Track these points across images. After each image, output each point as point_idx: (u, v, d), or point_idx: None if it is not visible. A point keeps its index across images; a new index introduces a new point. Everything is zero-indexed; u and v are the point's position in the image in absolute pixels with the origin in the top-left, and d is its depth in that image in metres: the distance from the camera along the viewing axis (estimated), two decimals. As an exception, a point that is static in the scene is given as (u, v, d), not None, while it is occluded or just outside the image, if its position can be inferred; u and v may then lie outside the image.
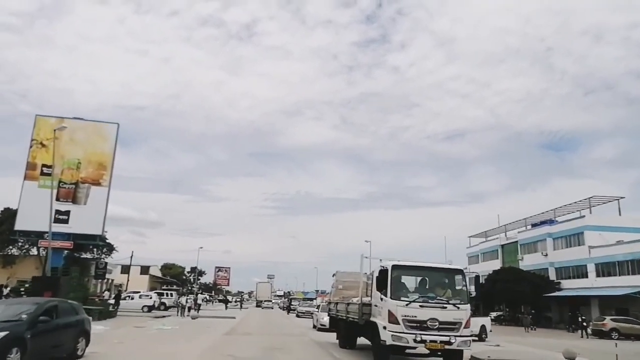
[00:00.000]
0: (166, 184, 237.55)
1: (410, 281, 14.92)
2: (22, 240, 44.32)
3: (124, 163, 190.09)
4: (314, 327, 32.96)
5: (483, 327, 29.32)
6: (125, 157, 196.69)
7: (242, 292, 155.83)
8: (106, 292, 57.26)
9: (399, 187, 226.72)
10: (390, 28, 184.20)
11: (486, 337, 29.15)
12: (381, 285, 14.27)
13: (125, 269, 69.13)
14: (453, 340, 13.52)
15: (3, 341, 10.19)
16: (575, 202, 59.72)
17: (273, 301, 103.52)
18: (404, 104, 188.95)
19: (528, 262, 63.55)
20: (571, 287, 55.82)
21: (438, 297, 14.14)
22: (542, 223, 65.39)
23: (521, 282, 55.41)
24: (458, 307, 13.88)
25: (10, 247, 47.22)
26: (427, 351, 14.19)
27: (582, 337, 40.68)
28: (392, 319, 13.58)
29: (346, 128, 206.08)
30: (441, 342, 13.47)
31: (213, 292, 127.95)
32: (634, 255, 48.00)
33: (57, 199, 33.66)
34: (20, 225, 34.06)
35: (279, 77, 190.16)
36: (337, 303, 21.37)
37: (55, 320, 12.38)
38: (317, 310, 35.92)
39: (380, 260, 15.87)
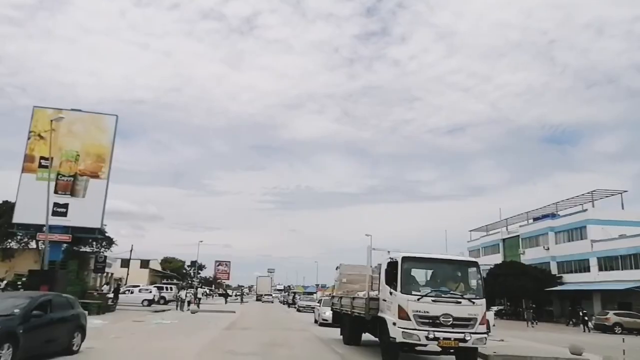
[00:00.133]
0: (167, 178, 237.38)
1: (420, 274, 14.20)
2: (21, 234, 43.95)
3: (125, 156, 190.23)
4: (316, 321, 32.59)
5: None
6: (126, 150, 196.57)
7: (243, 286, 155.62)
8: (105, 285, 56.91)
9: (400, 180, 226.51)
10: (390, 21, 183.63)
11: (490, 331, 28.81)
12: (390, 279, 13.57)
13: (125, 263, 68.88)
14: (468, 338, 12.74)
15: (-6, 336, 9.81)
16: (577, 196, 59.46)
17: (273, 295, 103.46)
18: (406, 97, 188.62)
19: (530, 256, 63.28)
20: (573, 281, 55.56)
21: (451, 291, 13.39)
22: (544, 217, 65.06)
23: (522, 277, 55.12)
24: (473, 302, 13.15)
25: (9, 240, 46.86)
26: (439, 349, 13.41)
27: (584, 331, 40.45)
28: (403, 314, 12.83)
29: (348, 121, 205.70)
30: (455, 339, 12.70)
31: (213, 286, 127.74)
32: (637, 249, 47.80)
33: (56, 192, 33.32)
34: (18, 218, 33.67)
35: (280, 70, 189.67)
36: (341, 297, 20.58)
37: (49, 315, 12.00)
38: (318, 304, 35.50)
39: (389, 252, 15.06)
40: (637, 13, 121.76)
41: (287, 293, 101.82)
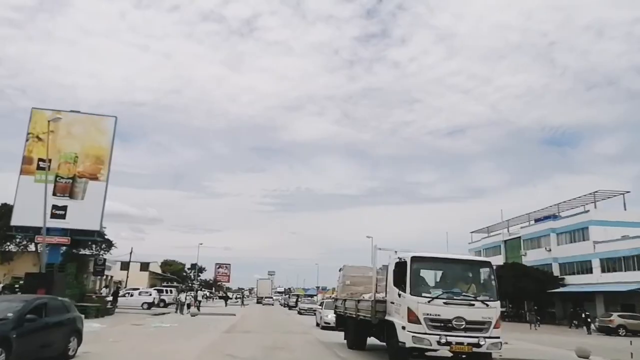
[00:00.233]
0: (166, 180, 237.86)
1: (429, 275, 13.66)
2: (19, 236, 43.68)
3: (124, 159, 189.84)
4: (317, 325, 32.21)
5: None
6: (126, 152, 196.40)
7: (243, 289, 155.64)
8: (104, 288, 56.57)
9: (400, 182, 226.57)
10: (390, 23, 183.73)
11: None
12: (399, 280, 12.99)
13: (125, 266, 68.48)
14: (482, 342, 12.12)
15: (-15, 341, 9.48)
16: (579, 197, 59.08)
17: (274, 298, 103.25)
18: (406, 99, 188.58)
19: (531, 257, 62.90)
20: (575, 282, 55.20)
21: (464, 293, 12.78)
22: (546, 218, 64.64)
23: (524, 278, 54.70)
24: (487, 305, 12.57)
25: (8, 243, 46.59)
26: (451, 354, 12.80)
27: (588, 333, 40.15)
28: (413, 317, 12.24)
29: (348, 123, 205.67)
30: (468, 344, 12.07)
31: (213, 288, 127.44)
32: (640, 250, 47.37)
33: (54, 194, 33.14)
34: (16, 220, 33.39)
35: (280, 72, 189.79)
36: (345, 300, 19.75)
37: (44, 319, 11.66)
38: (320, 307, 35.07)
39: (396, 252, 14.42)
40: (636, 15, 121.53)
41: (287, 296, 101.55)
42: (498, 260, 68.60)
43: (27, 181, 33.42)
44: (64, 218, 33.49)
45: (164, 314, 39.95)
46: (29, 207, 31.34)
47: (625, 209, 56.80)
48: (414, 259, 12.95)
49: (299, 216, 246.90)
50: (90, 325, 19.90)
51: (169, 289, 62.45)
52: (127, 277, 67.65)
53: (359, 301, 16.96)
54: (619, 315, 41.49)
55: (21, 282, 31.83)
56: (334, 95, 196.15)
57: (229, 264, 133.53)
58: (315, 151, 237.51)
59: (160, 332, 23.44)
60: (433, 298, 12.36)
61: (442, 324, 12.16)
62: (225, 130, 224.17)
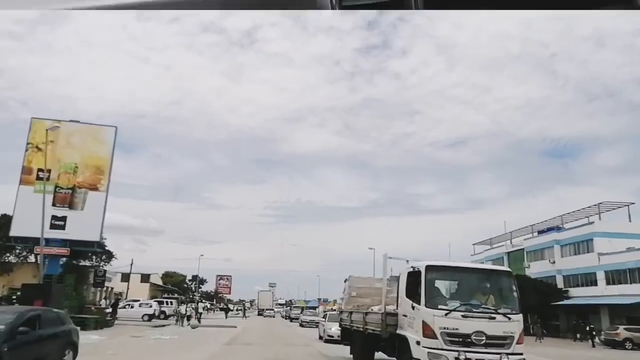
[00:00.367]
0: (167, 191, 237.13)
1: (444, 286, 12.77)
2: (19, 247, 43.39)
3: (125, 170, 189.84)
4: (320, 337, 31.62)
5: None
6: (127, 163, 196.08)
7: (244, 301, 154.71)
8: (103, 300, 56.20)
9: (401, 194, 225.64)
10: (391, 34, 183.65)
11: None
12: (412, 291, 12.08)
13: (126, 277, 68.24)
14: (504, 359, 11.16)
15: (-25, 355, 9.16)
16: (583, 209, 58.58)
17: (275, 309, 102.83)
18: (406, 110, 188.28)
19: (535, 269, 62.36)
20: (580, 295, 54.67)
21: (484, 305, 11.84)
22: (549, 230, 64.21)
23: (528, 291, 54.16)
24: (509, 318, 11.55)
25: (8, 254, 46.30)
26: None
27: (593, 346, 39.67)
28: (428, 332, 11.27)
29: (348, 134, 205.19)
30: None
31: (214, 300, 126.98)
32: (646, 262, 46.91)
33: (54, 204, 32.88)
34: (15, 231, 33.09)
35: (281, 83, 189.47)
36: (351, 312, 18.61)
37: (37, 331, 11.32)
38: (324, 319, 34.46)
39: (407, 261, 13.60)
40: (638, 27, 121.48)
41: (289, 307, 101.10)
42: (501, 272, 68.02)
43: (27, 191, 33.08)
44: (64, 229, 33.17)
45: (164, 325, 39.55)
46: (29, 218, 30.94)
47: (630, 221, 56.23)
48: (428, 268, 12.07)
49: (300, 228, 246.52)
50: (88, 337, 19.55)
51: (169, 300, 62.11)
52: (128, 288, 67.38)
53: (366, 313, 16.12)
54: (625, 329, 40.95)
55: (18, 293, 31.52)
56: (335, 106, 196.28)
57: (230, 276, 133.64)
58: (316, 163, 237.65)
59: (160, 344, 23.04)
60: (450, 310, 11.38)
61: (461, 339, 11.22)
62: (226, 141, 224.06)
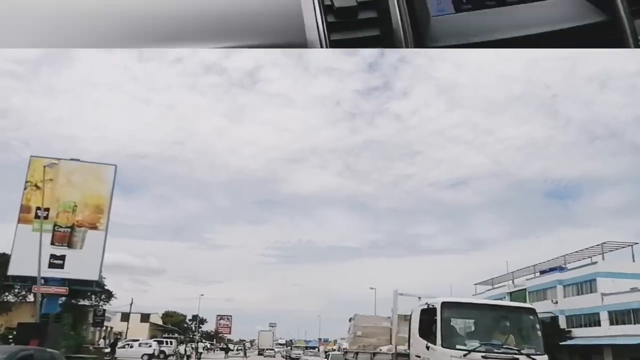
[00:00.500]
0: (169, 231, 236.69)
1: (460, 324, 11.69)
2: (18, 286, 43.19)
3: (127, 209, 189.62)
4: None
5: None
6: (129, 203, 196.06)
7: (244, 340, 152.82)
8: (102, 340, 55.60)
9: (401, 235, 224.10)
10: (392, 76, 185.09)
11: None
12: (426, 330, 11.03)
13: (125, 317, 67.67)
14: None
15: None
16: (586, 249, 58.25)
17: (275, 349, 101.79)
18: (407, 152, 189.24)
19: (537, 309, 61.56)
20: (583, 335, 53.96)
21: (505, 345, 10.67)
22: (552, 270, 63.70)
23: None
24: (534, 359, 10.46)
25: (7, 293, 46.04)
26: None
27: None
28: None
29: (349, 175, 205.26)
30: None
31: (214, 340, 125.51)
32: (650, 302, 46.45)
33: (52, 243, 32.90)
34: (13, 270, 32.89)
35: (282, 124, 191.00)
36: (356, 353, 17.75)
37: (28, 373, 11.17)
38: (326, 360, 33.80)
39: (420, 297, 12.91)
40: None
41: (289, 347, 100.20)
42: (504, 312, 67.34)
43: (25, 230, 33.02)
44: (62, 267, 33.07)
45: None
46: (27, 257, 30.80)
47: (633, 261, 55.81)
48: (445, 305, 11.04)
49: (301, 268, 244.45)
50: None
51: (169, 340, 61.50)
52: (127, 328, 66.65)
53: (374, 354, 15.39)
54: (630, 371, 40.42)
55: (14, 332, 31.26)
56: (336, 147, 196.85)
57: (231, 316, 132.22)
58: (317, 203, 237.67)
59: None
60: (470, 351, 10.21)
61: None
62: (227, 182, 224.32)
